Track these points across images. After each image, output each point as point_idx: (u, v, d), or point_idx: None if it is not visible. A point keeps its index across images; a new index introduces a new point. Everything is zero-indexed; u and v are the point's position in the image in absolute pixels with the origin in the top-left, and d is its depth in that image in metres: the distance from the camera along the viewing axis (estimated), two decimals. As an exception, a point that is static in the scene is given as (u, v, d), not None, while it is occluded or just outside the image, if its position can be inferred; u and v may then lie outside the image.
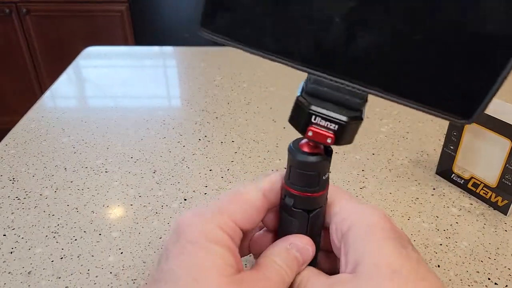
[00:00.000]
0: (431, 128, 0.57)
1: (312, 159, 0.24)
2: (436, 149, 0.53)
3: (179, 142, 0.54)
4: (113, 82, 0.73)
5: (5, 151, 0.52)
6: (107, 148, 0.53)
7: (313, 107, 0.22)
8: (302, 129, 0.23)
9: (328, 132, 0.22)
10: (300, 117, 0.23)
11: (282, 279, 0.24)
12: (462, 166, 0.45)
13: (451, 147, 0.45)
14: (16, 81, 1.83)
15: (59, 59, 1.74)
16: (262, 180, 0.27)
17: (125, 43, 1.74)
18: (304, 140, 0.25)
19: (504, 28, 0.17)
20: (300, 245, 0.26)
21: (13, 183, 0.46)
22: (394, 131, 0.57)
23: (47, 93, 0.68)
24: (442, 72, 0.19)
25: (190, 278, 0.22)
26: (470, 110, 0.19)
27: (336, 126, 0.22)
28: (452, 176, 0.46)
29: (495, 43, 0.18)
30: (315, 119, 0.22)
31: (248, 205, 0.26)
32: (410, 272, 0.22)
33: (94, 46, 0.87)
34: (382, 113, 0.61)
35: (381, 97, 0.21)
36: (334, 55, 0.21)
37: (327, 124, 0.22)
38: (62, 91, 0.70)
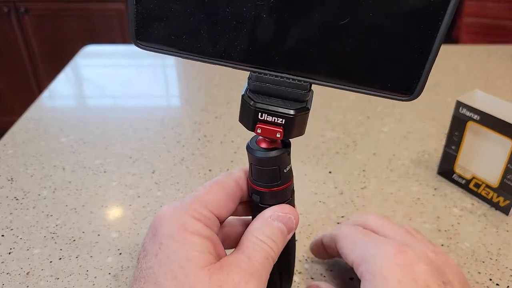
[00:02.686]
0: (432, 128, 0.57)
1: (270, 154, 0.24)
2: (438, 149, 0.52)
3: (178, 142, 0.54)
4: (112, 81, 0.72)
5: (3, 151, 0.52)
6: (106, 148, 0.52)
7: (258, 104, 0.22)
8: (251, 127, 0.23)
9: (276, 127, 0.22)
10: (247, 116, 0.23)
11: (266, 255, 0.24)
12: (464, 166, 0.45)
13: (453, 147, 0.45)
14: (14, 81, 1.82)
15: (58, 58, 1.73)
16: (236, 169, 0.27)
17: (124, 42, 1.73)
18: (260, 137, 0.25)
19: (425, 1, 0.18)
20: (281, 214, 0.25)
21: (11, 183, 0.46)
22: (395, 131, 0.57)
23: (45, 93, 0.67)
24: (375, 53, 0.19)
25: (169, 276, 0.22)
26: (410, 85, 0.20)
27: (283, 120, 0.22)
28: (453, 176, 0.46)
29: (420, 15, 0.18)
30: (261, 116, 0.22)
31: (222, 193, 0.26)
32: None
33: (92, 45, 0.86)
34: (383, 113, 0.61)
35: (322, 85, 0.21)
36: (268, 50, 0.21)
37: (274, 119, 0.22)
38: (61, 90, 0.69)
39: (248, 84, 0.23)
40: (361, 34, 0.19)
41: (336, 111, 0.61)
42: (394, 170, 0.49)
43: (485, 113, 0.41)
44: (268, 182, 0.25)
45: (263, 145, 0.24)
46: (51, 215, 0.41)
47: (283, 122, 0.22)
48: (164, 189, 0.45)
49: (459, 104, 0.43)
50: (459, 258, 0.37)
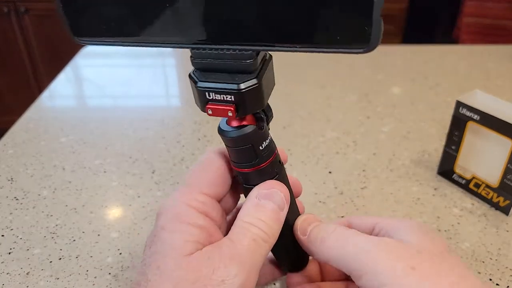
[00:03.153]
0: (432, 128, 0.57)
1: (238, 132, 0.22)
2: (438, 149, 0.52)
3: (178, 142, 0.54)
4: (112, 81, 0.72)
5: (3, 151, 0.52)
6: (106, 148, 0.52)
7: (202, 83, 0.21)
8: (202, 109, 0.22)
9: (227, 106, 0.21)
10: (197, 97, 0.22)
11: (252, 236, 0.23)
12: (464, 166, 0.45)
13: (453, 147, 0.45)
14: (14, 81, 1.82)
15: (58, 58, 1.73)
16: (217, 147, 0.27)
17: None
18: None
19: None
20: (265, 191, 0.24)
21: (11, 183, 0.46)
22: (395, 131, 0.57)
23: (45, 93, 0.67)
24: (314, 4, 0.17)
25: (153, 265, 0.22)
26: (363, 35, 0.17)
27: (232, 97, 0.20)
28: (453, 176, 0.46)
29: None
30: (209, 95, 0.21)
31: (211, 172, 0.25)
32: None
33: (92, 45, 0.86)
34: (383, 113, 0.61)
35: (266, 50, 0.20)
36: (197, 24, 0.19)
37: (223, 97, 0.21)
38: (61, 90, 0.69)
39: (191, 63, 0.21)
40: None
41: (336, 111, 0.61)
42: (394, 170, 0.49)
43: (485, 113, 0.41)
44: (245, 162, 0.24)
45: (233, 124, 0.23)
46: (51, 215, 0.41)
47: (232, 99, 0.20)
48: (164, 189, 0.45)
49: (459, 104, 0.43)
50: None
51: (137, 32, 0.20)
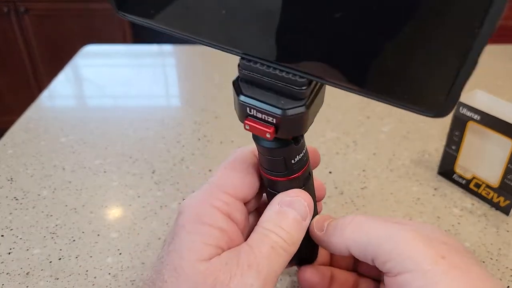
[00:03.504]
0: (432, 128, 0.57)
1: (273, 145, 0.21)
2: (438, 149, 0.52)
3: (178, 142, 0.54)
4: (112, 81, 0.72)
5: (3, 151, 0.52)
6: (106, 148, 0.52)
7: (243, 98, 0.19)
8: (241, 120, 0.20)
9: (266, 126, 0.19)
10: (237, 107, 0.20)
11: (272, 244, 0.22)
12: (464, 166, 0.45)
13: (453, 147, 0.45)
14: (14, 80, 1.82)
15: (57, 58, 1.73)
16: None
17: (124, 41, 1.73)
18: None
19: (461, 10, 0.14)
20: (289, 199, 0.23)
21: (11, 183, 0.46)
22: (396, 130, 0.57)
23: (45, 93, 0.67)
24: (403, 62, 0.16)
25: (170, 266, 0.22)
26: (439, 103, 0.16)
27: (274, 120, 0.19)
28: (453, 176, 0.46)
29: (455, 25, 0.14)
30: (250, 111, 0.19)
31: (239, 173, 0.24)
32: None
33: (92, 45, 0.86)
34: (383, 113, 0.61)
35: (324, 83, 0.18)
36: (255, 34, 0.17)
37: (264, 117, 0.19)
38: (60, 90, 0.69)
39: (238, 72, 0.20)
40: (388, 39, 0.15)
41: (336, 111, 0.61)
42: (394, 170, 0.49)
43: (485, 113, 0.41)
44: (274, 171, 0.23)
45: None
46: (51, 215, 0.41)
47: (274, 121, 0.19)
48: (164, 189, 0.45)
49: (459, 104, 0.43)
50: (460, 258, 0.37)
51: (188, 25, 0.19)
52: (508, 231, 0.40)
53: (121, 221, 0.41)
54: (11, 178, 0.47)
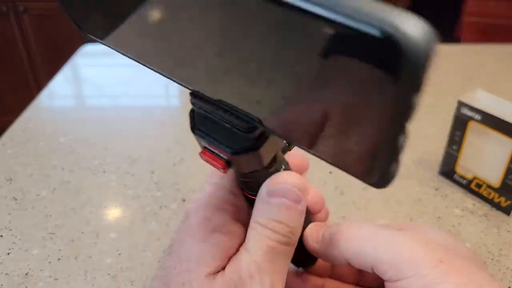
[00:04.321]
0: (434, 128, 0.57)
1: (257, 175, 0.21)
2: (439, 149, 0.52)
3: (177, 142, 0.54)
4: (111, 81, 0.72)
5: (2, 151, 0.51)
6: (105, 148, 0.52)
7: (197, 132, 0.19)
8: (201, 151, 0.20)
9: (219, 160, 0.19)
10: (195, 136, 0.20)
11: (273, 244, 0.21)
12: (465, 166, 0.45)
13: (454, 148, 0.45)
14: (13, 80, 1.82)
15: (57, 58, 1.73)
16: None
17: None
18: None
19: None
20: (276, 188, 0.21)
21: (10, 183, 0.46)
22: (395, 130, 0.57)
23: (44, 92, 0.67)
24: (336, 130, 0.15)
25: (178, 279, 0.21)
26: (379, 179, 0.15)
27: (226, 156, 0.19)
28: (454, 177, 0.46)
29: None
30: (204, 143, 0.19)
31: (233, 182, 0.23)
32: None
33: (91, 44, 0.86)
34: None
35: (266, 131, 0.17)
36: (210, 78, 0.16)
37: (217, 152, 0.19)
38: (59, 90, 0.69)
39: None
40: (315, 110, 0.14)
41: (336, 110, 0.61)
42: (395, 170, 0.48)
43: (486, 113, 0.41)
44: (249, 190, 0.22)
45: None
46: (50, 216, 0.41)
47: (226, 158, 0.19)
48: (164, 189, 0.45)
49: (460, 104, 0.43)
50: (461, 259, 0.37)
51: (139, 51, 0.19)
52: (509, 231, 0.40)
53: (120, 222, 0.41)
54: (10, 178, 0.47)
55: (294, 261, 0.29)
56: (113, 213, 0.42)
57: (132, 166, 0.49)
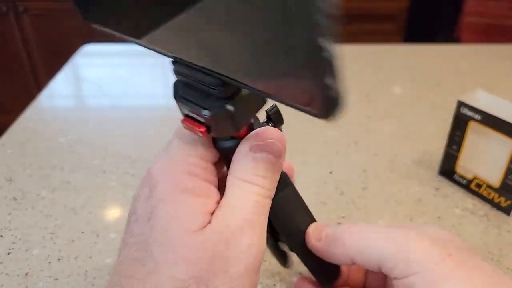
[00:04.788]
0: (433, 128, 0.57)
1: (225, 144, 0.22)
2: (439, 149, 0.52)
3: (178, 141, 0.54)
4: (111, 81, 0.72)
5: (2, 151, 0.51)
6: (105, 148, 0.52)
7: (177, 98, 0.20)
8: (183, 118, 0.21)
9: (199, 125, 0.20)
10: (178, 106, 0.21)
11: (257, 198, 0.21)
12: (465, 166, 0.45)
13: (454, 147, 0.45)
14: (13, 80, 1.82)
15: (57, 58, 1.73)
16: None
17: (123, 41, 1.73)
18: None
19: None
20: (262, 144, 0.22)
21: (10, 183, 0.46)
22: (397, 131, 0.57)
23: (44, 92, 0.67)
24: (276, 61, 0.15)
25: (158, 242, 0.20)
26: (324, 107, 0.15)
27: (204, 119, 0.20)
28: (454, 177, 0.46)
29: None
30: (185, 111, 0.21)
31: (199, 141, 0.23)
32: None
33: (91, 44, 0.86)
34: (384, 113, 0.61)
35: (233, 84, 0.18)
36: (183, 41, 0.18)
37: (195, 116, 0.20)
38: (59, 90, 0.69)
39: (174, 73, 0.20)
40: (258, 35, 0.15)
41: (336, 110, 0.61)
42: (395, 170, 0.49)
43: (486, 113, 0.41)
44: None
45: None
46: (50, 216, 0.41)
47: (203, 121, 0.20)
48: (164, 189, 0.45)
49: (460, 104, 0.43)
50: (461, 259, 0.37)
51: (128, 27, 0.20)
52: (509, 231, 0.40)
53: (120, 222, 0.41)
54: (10, 178, 0.46)
55: (320, 279, 0.28)
56: (113, 213, 0.42)
57: (132, 166, 0.49)
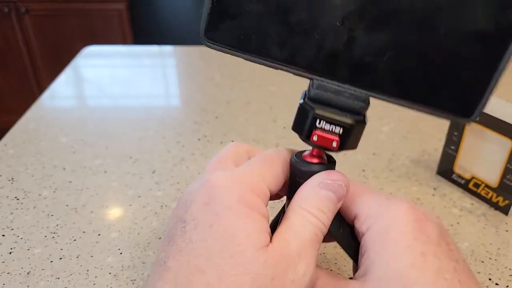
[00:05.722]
0: (432, 128, 0.57)
1: (317, 168, 0.24)
2: (437, 149, 0.52)
3: (178, 142, 0.54)
4: (112, 82, 0.73)
5: (3, 151, 0.52)
6: (106, 148, 0.52)
7: (317, 111, 0.22)
8: (307, 135, 0.23)
9: (333, 136, 0.22)
10: (304, 122, 0.23)
11: (315, 230, 0.22)
12: (463, 166, 0.45)
13: (452, 147, 0.45)
14: (15, 81, 1.82)
15: (58, 59, 1.74)
16: (284, 148, 0.26)
17: (124, 42, 1.73)
18: (307, 152, 0.25)
19: (494, 25, 0.18)
20: (329, 182, 0.23)
21: (12, 183, 0.46)
22: (395, 131, 0.57)
23: (46, 93, 0.67)
24: (442, 74, 0.20)
25: (225, 252, 0.20)
26: (470, 108, 0.20)
27: (341, 129, 0.22)
28: (453, 176, 0.46)
29: (488, 39, 0.19)
30: (319, 123, 0.22)
31: (279, 170, 0.24)
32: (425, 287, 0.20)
33: (93, 46, 0.86)
34: (383, 113, 0.61)
35: (384, 100, 0.22)
36: (337, 60, 0.21)
37: (332, 128, 0.22)
38: (61, 91, 0.69)
39: (308, 92, 0.23)
40: (428, 54, 0.20)
41: (336, 111, 0.61)
42: (394, 170, 0.49)
43: (484, 113, 0.41)
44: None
45: (309, 160, 0.24)
46: (52, 215, 0.42)
47: (340, 132, 0.22)
48: (164, 189, 0.45)
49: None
50: (459, 258, 0.37)
51: (271, 52, 0.22)
52: (507, 231, 0.40)
53: (122, 221, 0.41)
54: (12, 178, 0.47)
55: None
56: (114, 212, 0.42)
57: (133, 166, 0.49)
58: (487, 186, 0.43)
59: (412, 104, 0.21)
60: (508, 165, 0.40)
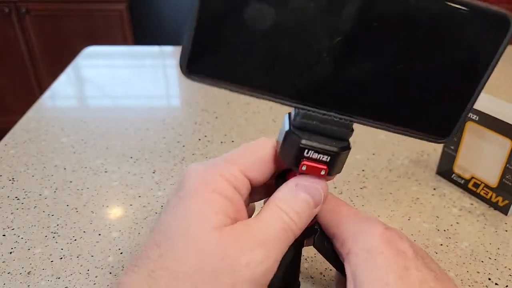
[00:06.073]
0: (431, 128, 0.57)
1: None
2: (437, 149, 0.53)
3: (178, 142, 0.54)
4: (113, 82, 0.73)
5: (4, 151, 0.52)
6: (107, 148, 0.53)
7: (304, 141, 0.22)
8: (295, 164, 0.23)
9: (321, 165, 0.23)
10: (291, 153, 0.23)
11: (284, 225, 0.22)
12: (463, 166, 0.45)
13: (452, 147, 0.45)
14: (15, 81, 1.83)
15: (58, 59, 1.74)
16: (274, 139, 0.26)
17: (125, 42, 1.73)
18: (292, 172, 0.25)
19: (471, 54, 0.20)
20: (307, 184, 0.23)
21: (12, 183, 0.46)
22: (394, 131, 0.57)
23: (47, 93, 0.68)
24: (421, 99, 0.21)
25: (179, 230, 0.21)
26: (448, 130, 0.22)
27: (328, 158, 0.23)
28: (452, 176, 0.46)
29: (464, 70, 0.20)
30: (307, 153, 0.22)
31: (257, 156, 0.24)
32: None
33: (93, 46, 0.86)
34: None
35: (367, 125, 0.22)
36: (322, 89, 0.21)
37: (319, 157, 0.23)
38: (62, 91, 0.70)
39: (293, 120, 0.23)
40: (409, 81, 0.21)
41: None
42: (394, 170, 0.49)
43: (484, 113, 0.41)
44: None
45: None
46: (52, 215, 0.42)
47: (328, 160, 0.23)
48: (165, 189, 0.46)
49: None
50: (458, 258, 0.37)
51: (259, 83, 0.21)
52: (506, 230, 0.41)
53: (122, 221, 0.41)
54: (13, 178, 0.47)
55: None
56: (115, 212, 0.42)
57: (133, 166, 0.49)
58: (486, 186, 0.43)
59: (395, 127, 0.22)
60: (507, 165, 0.40)
